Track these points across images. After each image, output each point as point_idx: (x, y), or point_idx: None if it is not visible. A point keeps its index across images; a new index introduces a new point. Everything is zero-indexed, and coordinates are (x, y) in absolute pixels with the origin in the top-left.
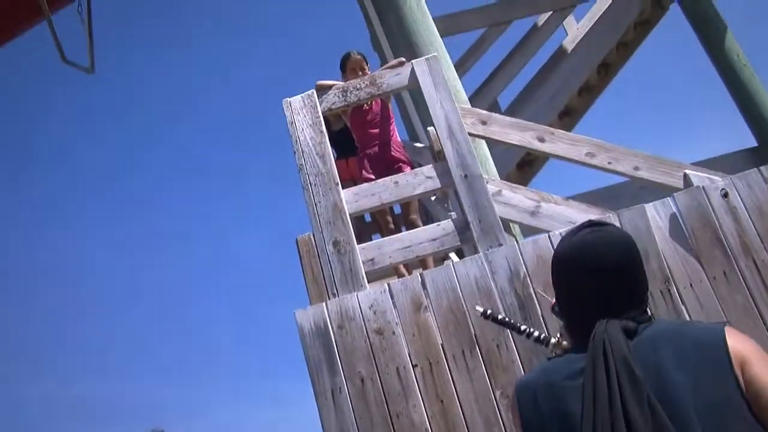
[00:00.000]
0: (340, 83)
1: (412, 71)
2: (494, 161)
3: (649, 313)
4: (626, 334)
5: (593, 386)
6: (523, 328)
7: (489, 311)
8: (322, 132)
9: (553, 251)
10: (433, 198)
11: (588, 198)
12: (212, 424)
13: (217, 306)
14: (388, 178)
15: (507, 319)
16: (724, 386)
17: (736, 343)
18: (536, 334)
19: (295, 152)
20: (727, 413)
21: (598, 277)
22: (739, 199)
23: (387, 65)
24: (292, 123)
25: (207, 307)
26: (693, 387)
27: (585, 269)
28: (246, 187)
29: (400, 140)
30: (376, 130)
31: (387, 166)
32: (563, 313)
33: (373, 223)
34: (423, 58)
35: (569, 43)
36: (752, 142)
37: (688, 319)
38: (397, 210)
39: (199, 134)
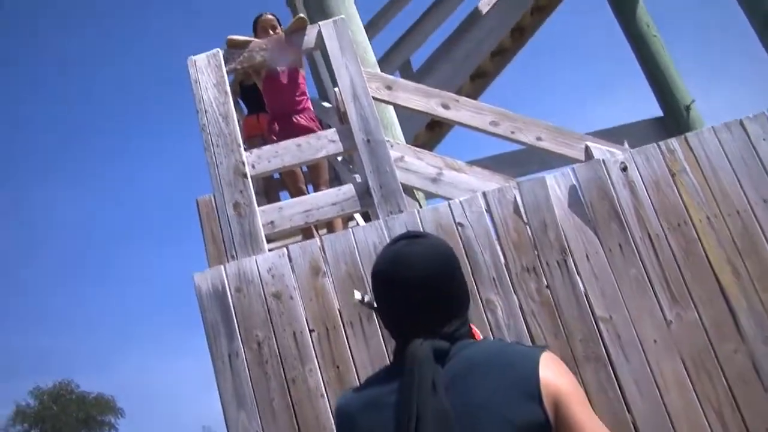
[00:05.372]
0: (255, 40)
1: (319, 33)
2: (404, 122)
3: (470, 326)
4: (438, 355)
5: (399, 415)
6: None
7: (366, 298)
8: (226, 92)
9: (452, 219)
10: (339, 158)
11: (497, 161)
12: (120, 375)
13: (125, 258)
14: (290, 140)
15: None
16: (531, 417)
17: (550, 375)
18: None
19: (197, 112)
20: None
21: (407, 291)
22: (637, 172)
23: (288, 26)
24: (196, 82)
25: (116, 260)
26: (501, 416)
27: (395, 283)
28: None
29: (311, 108)
30: (287, 96)
31: (294, 134)
32: (385, 325)
33: (282, 181)
34: (330, 20)
35: (484, 5)
36: (659, 112)
37: (582, 288)
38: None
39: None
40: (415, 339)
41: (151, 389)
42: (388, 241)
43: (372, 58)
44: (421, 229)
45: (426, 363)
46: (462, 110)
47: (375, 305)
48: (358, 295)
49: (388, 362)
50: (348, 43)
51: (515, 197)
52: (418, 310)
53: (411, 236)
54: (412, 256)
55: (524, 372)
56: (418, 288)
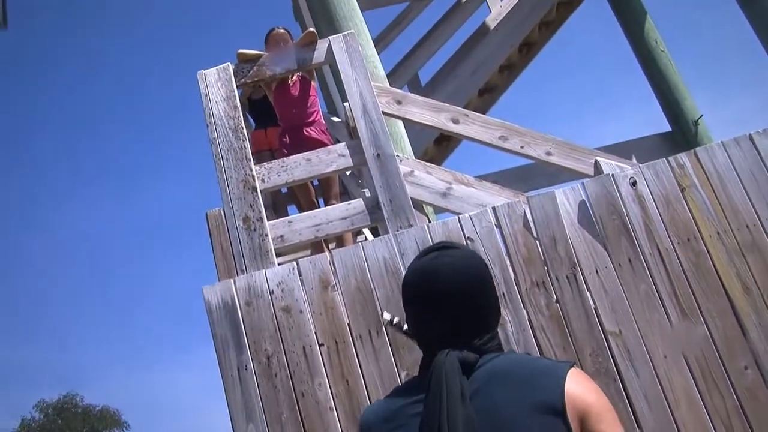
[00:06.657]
0: (266, 54)
1: (329, 47)
2: (413, 136)
3: (499, 339)
4: (465, 366)
5: (427, 422)
6: None
7: (396, 320)
8: (236, 106)
9: (462, 233)
10: (348, 173)
11: (506, 176)
12: (126, 388)
13: (133, 270)
14: (300, 155)
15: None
16: (552, 430)
17: (577, 390)
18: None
19: (207, 125)
20: None
21: (435, 305)
22: (646, 188)
23: (298, 40)
24: (206, 95)
25: (124, 271)
26: (523, 427)
27: (423, 297)
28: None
29: (323, 121)
30: (298, 108)
31: (304, 146)
32: (414, 336)
33: (290, 195)
34: (341, 34)
35: (492, 21)
36: (667, 127)
37: (591, 303)
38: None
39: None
40: (442, 351)
41: (157, 402)
42: (398, 255)
43: (381, 73)
44: (431, 243)
45: (453, 373)
46: (471, 125)
47: (404, 327)
48: (387, 315)
49: (398, 376)
50: (358, 57)
51: (525, 212)
52: (446, 324)
53: (442, 247)
54: (441, 270)
55: (549, 385)
56: (446, 302)
